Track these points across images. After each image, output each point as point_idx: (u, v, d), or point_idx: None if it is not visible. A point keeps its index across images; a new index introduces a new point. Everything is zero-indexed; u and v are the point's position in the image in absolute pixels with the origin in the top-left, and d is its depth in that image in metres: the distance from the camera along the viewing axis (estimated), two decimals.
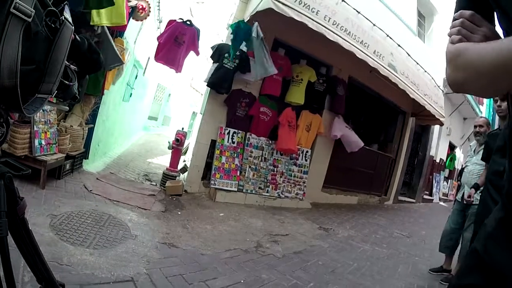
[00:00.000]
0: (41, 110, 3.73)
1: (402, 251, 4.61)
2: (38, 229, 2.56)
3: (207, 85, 5.30)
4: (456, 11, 0.91)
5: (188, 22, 5.27)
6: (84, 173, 4.77)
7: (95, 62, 1.11)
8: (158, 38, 5.28)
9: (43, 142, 3.76)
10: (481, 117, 3.72)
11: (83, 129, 4.70)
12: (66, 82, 0.94)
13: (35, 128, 3.64)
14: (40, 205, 3.14)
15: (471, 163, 3.86)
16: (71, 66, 0.99)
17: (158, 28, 8.13)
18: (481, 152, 3.69)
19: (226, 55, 5.11)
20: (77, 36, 0.96)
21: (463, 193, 3.79)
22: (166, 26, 5.27)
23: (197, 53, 5.44)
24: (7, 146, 3.43)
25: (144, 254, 2.74)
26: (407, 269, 3.85)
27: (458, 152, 14.59)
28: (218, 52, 5.20)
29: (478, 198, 3.43)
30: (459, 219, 3.83)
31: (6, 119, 0.86)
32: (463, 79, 0.81)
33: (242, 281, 2.66)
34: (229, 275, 2.72)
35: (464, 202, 3.70)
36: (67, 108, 1.23)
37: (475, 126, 3.87)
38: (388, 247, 4.66)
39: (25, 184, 3.47)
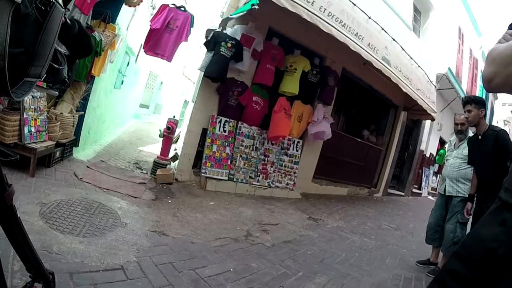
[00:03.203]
0: (31, 97, 3.68)
1: (390, 243, 4.68)
2: (28, 218, 2.54)
3: (205, 75, 5.22)
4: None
5: (182, 8, 5.20)
6: (74, 161, 4.72)
7: (86, 46, 1.09)
8: (150, 22, 5.17)
9: (33, 130, 3.70)
10: (461, 114, 3.78)
11: (73, 116, 4.63)
12: (56, 66, 0.92)
13: (25, 115, 3.57)
14: (30, 193, 3.10)
15: (451, 157, 3.93)
16: (61, 49, 0.97)
17: (152, 15, 7.99)
18: (461, 147, 3.81)
19: (223, 43, 5.04)
20: (67, 19, 0.94)
21: (445, 186, 3.88)
22: (158, 11, 5.17)
23: (186, 39, 5.34)
24: None
25: (134, 242, 2.74)
26: (395, 261, 3.91)
27: None
28: (214, 40, 5.11)
29: (458, 190, 3.70)
30: (442, 211, 3.90)
31: None
32: (493, 73, 0.92)
33: (231, 269, 2.68)
34: (218, 264, 2.73)
35: (446, 194, 3.83)
36: (57, 93, 1.21)
37: (457, 124, 3.86)
38: (377, 238, 4.73)
39: (15, 172, 3.42)
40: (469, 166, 3.66)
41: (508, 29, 1.03)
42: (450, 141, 4.24)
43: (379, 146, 9.36)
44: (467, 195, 3.61)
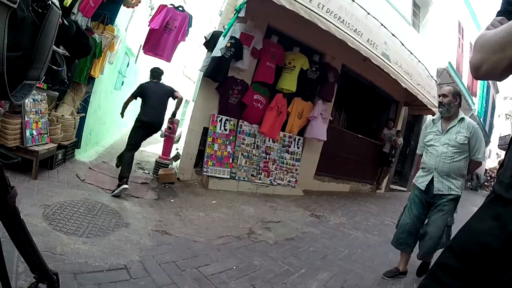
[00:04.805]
0: (31, 100, 3.70)
1: None
2: (31, 220, 2.56)
3: (205, 75, 5.24)
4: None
5: (180, 8, 5.20)
6: (76, 163, 4.75)
7: (84, 46, 1.09)
8: (149, 23, 5.19)
9: (34, 132, 3.72)
10: (448, 84, 3.07)
11: (74, 118, 4.65)
12: (54, 67, 0.93)
13: (26, 119, 3.60)
14: (33, 195, 3.13)
15: (440, 143, 3.03)
16: (60, 50, 0.98)
17: (150, 15, 8.00)
18: (452, 131, 2.99)
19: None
20: (64, 21, 0.94)
21: (431, 180, 3.03)
22: (157, 11, 5.19)
23: (184, 39, 5.36)
24: None
25: (137, 242, 2.76)
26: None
27: None
28: (213, 40, 5.12)
29: (451, 186, 2.94)
30: (422, 211, 3.12)
31: None
32: (480, 60, 0.93)
33: (234, 267, 2.69)
34: (221, 262, 2.75)
35: (435, 192, 2.99)
36: (57, 93, 1.22)
37: (439, 96, 3.08)
38: (379, 234, 4.72)
39: (18, 175, 3.45)
40: (463, 157, 2.94)
41: (496, 16, 1.03)
42: (433, 120, 3.24)
43: (381, 142, 9.34)
44: (460, 193, 2.95)
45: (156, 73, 4.77)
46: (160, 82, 4.82)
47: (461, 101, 3.05)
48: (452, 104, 2.97)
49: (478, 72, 0.96)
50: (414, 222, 3.12)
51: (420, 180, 3.15)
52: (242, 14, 4.52)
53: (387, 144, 8.90)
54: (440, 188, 2.96)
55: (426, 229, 3.02)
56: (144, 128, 4.44)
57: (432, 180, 3.02)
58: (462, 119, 2.99)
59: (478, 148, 2.92)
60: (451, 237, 1.09)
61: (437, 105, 3.13)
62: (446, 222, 2.90)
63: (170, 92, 4.70)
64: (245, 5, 4.52)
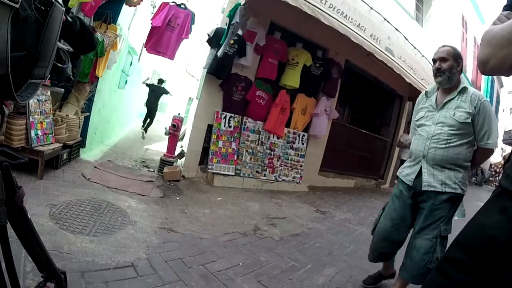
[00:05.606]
0: (36, 100, 3.71)
1: None
2: (38, 219, 2.57)
3: (208, 72, 5.24)
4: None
5: (182, 6, 5.19)
6: (82, 162, 4.77)
7: (89, 42, 1.09)
8: (151, 20, 5.19)
9: (39, 133, 3.74)
10: (444, 45, 2.27)
11: (79, 118, 4.67)
12: (59, 65, 0.93)
13: (31, 119, 3.61)
14: (39, 195, 3.14)
15: (433, 122, 2.25)
16: (64, 47, 0.97)
17: (152, 13, 8.01)
18: (450, 105, 2.19)
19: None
20: (68, 17, 0.94)
21: (419, 172, 2.27)
22: (159, 9, 5.18)
23: (187, 37, 5.36)
24: (3, 138, 3.43)
25: (144, 239, 2.77)
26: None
27: None
28: (216, 37, 5.10)
29: (446, 181, 2.17)
30: (406, 212, 2.37)
31: (0, 108, 0.85)
32: (488, 55, 0.92)
33: (240, 263, 2.70)
34: (227, 258, 2.75)
35: (424, 188, 2.22)
36: (63, 90, 1.22)
37: (434, 61, 2.26)
38: None
39: (23, 175, 3.47)
40: (464, 141, 2.14)
41: (502, 10, 1.02)
42: (426, 92, 2.42)
43: (385, 137, 9.30)
44: (461, 191, 2.16)
45: (160, 80, 9.81)
46: (162, 85, 9.74)
47: (463, 66, 2.26)
48: (454, 69, 2.18)
49: (485, 67, 0.95)
50: (393, 225, 2.41)
51: (406, 171, 2.39)
52: (236, 19, 4.47)
53: (405, 150, 8.46)
54: (431, 183, 2.19)
55: (413, 240, 2.32)
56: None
57: (420, 172, 2.26)
58: (464, 89, 2.18)
59: (487, 131, 2.10)
60: (460, 234, 1.07)
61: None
62: (439, 231, 2.15)
63: (162, 93, 9.76)
64: (238, 9, 4.49)
